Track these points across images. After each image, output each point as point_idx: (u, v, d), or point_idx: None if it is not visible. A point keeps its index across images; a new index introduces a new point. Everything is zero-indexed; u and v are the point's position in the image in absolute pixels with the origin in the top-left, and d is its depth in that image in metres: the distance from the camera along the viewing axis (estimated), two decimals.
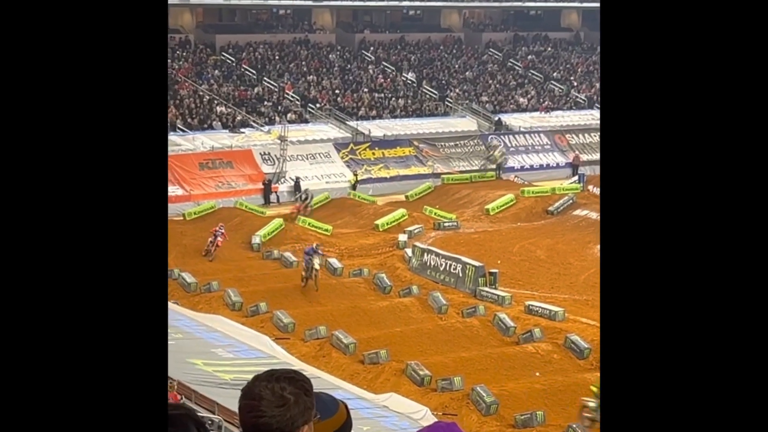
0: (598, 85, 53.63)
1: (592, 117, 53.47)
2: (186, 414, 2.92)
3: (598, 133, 44.11)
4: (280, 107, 49.31)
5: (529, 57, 60.82)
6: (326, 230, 37.44)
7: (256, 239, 35.62)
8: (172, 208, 37.62)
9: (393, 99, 52.61)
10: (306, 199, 41.01)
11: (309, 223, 38.05)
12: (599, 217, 5.77)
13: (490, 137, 50.42)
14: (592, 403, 20.28)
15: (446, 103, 53.49)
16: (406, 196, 43.63)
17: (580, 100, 56.83)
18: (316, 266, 29.98)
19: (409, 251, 33.66)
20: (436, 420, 17.82)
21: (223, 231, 34.51)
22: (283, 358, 23.15)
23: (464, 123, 52.14)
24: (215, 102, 48.15)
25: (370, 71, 55.18)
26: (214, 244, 34.09)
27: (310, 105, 50.00)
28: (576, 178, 45.84)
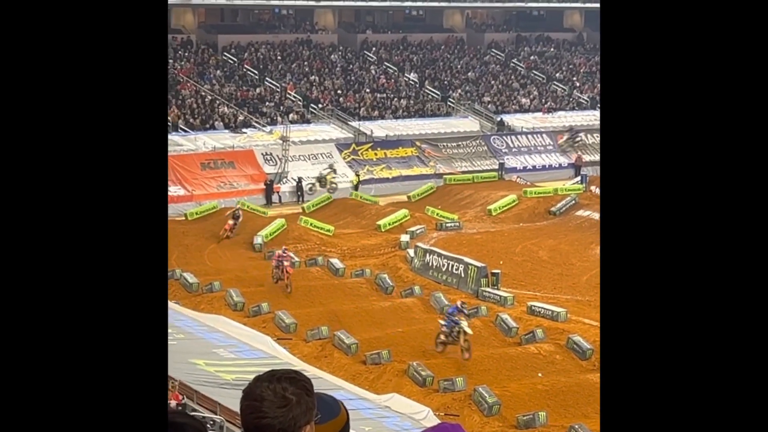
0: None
1: (594, 118, 53.46)
2: (191, 425, 2.90)
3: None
4: (282, 107, 49.31)
5: (532, 57, 60.79)
6: (328, 231, 37.42)
7: (258, 239, 35.60)
8: (174, 209, 37.62)
9: (395, 99, 52.58)
10: (237, 218, 37.10)
11: (311, 224, 38.04)
12: None
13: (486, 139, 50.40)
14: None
15: (448, 103, 53.47)
16: (408, 197, 43.63)
17: (583, 101, 56.82)
18: (467, 329, 24.94)
19: (411, 252, 33.64)
20: (439, 421, 17.79)
21: (289, 253, 30.75)
22: (285, 359, 23.12)
23: (466, 123, 52.13)
24: (217, 102, 48.15)
25: (372, 71, 55.16)
26: (282, 269, 29.98)
27: (312, 105, 49.99)
28: (578, 178, 45.83)
